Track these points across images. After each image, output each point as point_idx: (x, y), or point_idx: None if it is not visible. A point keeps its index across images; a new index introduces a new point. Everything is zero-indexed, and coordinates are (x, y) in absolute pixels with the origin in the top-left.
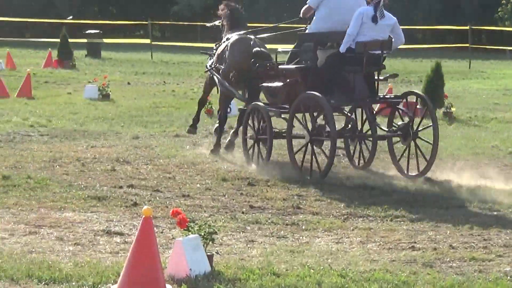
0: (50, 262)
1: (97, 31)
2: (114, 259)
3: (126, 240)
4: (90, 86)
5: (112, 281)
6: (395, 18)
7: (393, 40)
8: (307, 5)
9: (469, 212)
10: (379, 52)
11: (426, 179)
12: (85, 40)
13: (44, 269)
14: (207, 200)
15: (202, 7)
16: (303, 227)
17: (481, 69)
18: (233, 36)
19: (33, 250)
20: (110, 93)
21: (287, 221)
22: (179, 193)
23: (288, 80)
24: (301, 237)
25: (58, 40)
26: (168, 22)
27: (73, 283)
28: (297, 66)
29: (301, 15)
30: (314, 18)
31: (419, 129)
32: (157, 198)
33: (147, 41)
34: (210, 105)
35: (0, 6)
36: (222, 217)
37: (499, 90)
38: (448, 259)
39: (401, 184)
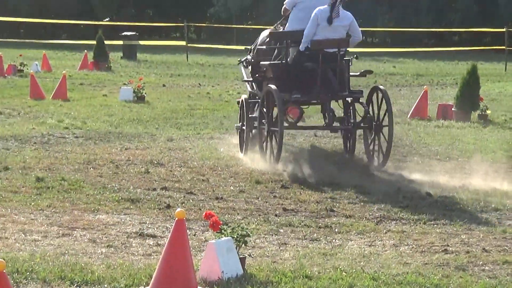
0: (82, 264)
1: (133, 33)
2: (147, 261)
3: (159, 242)
4: (125, 88)
5: (145, 283)
6: (352, 16)
7: (350, 38)
8: (284, 6)
9: (503, 216)
10: (335, 50)
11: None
12: (121, 42)
13: (76, 271)
14: (240, 202)
15: (239, 9)
16: (336, 230)
17: None
18: None
19: (66, 252)
20: (145, 95)
21: (320, 224)
22: (212, 196)
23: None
24: (334, 240)
25: (94, 42)
26: (204, 24)
27: (106, 285)
28: (270, 62)
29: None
30: (288, 19)
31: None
32: (191, 201)
33: (183, 43)
34: None
35: (36, 8)
36: (255, 219)
37: None
38: (481, 262)
39: (434, 188)
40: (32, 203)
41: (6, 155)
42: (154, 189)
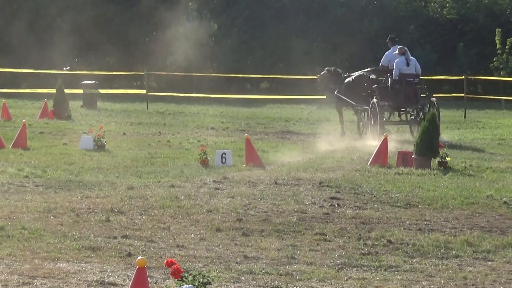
0: None
1: (93, 81)
2: None
3: None
4: (85, 137)
5: None
6: (415, 60)
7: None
8: (381, 64)
9: (464, 262)
10: (413, 79)
11: (421, 232)
12: (81, 91)
13: None
14: (202, 250)
15: (198, 57)
16: (297, 277)
17: (477, 119)
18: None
19: None
20: (106, 143)
21: (281, 271)
22: (173, 244)
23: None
24: None
25: (54, 90)
26: (164, 73)
27: None
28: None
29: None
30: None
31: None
32: (152, 249)
33: (143, 91)
34: (205, 156)
35: None
36: (216, 267)
37: (494, 139)
38: None
39: (395, 234)
40: None
41: None
42: (115, 237)
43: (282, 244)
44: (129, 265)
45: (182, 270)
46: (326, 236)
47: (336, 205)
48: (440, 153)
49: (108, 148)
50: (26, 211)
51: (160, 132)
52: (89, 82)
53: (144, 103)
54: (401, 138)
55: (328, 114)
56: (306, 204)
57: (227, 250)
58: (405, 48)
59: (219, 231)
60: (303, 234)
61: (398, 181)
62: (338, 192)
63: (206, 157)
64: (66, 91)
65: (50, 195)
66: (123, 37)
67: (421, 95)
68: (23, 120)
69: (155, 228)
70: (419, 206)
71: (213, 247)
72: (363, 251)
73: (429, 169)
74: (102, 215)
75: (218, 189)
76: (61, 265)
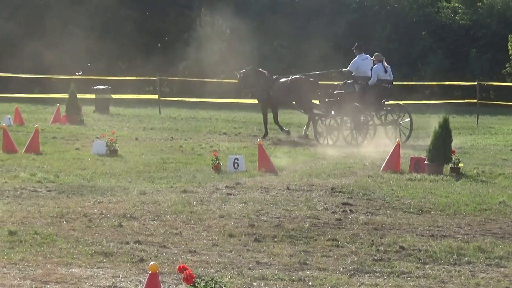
0: None
1: (106, 86)
2: None
3: None
4: (98, 142)
5: None
6: (389, 66)
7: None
8: (347, 69)
9: (477, 269)
10: (387, 85)
11: (434, 239)
12: (93, 96)
13: None
14: (214, 256)
15: (210, 63)
16: (310, 283)
17: (489, 125)
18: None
19: None
20: (118, 148)
21: (293, 277)
22: (185, 249)
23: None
24: None
25: (67, 95)
26: (176, 78)
27: None
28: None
29: (343, 70)
30: (352, 72)
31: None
32: (164, 254)
33: (156, 96)
34: (217, 161)
35: (8, 62)
36: (229, 273)
37: (506, 145)
38: None
39: (408, 240)
40: (5, 257)
41: None
42: (127, 243)
43: (294, 250)
44: (141, 271)
45: (195, 275)
46: (338, 242)
47: (349, 211)
48: (453, 159)
49: (121, 153)
50: (39, 216)
51: (172, 137)
52: (101, 87)
53: (157, 108)
54: (414, 144)
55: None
56: (319, 210)
57: (240, 255)
58: (382, 56)
59: (231, 237)
60: (316, 240)
61: (411, 187)
62: (351, 198)
63: (219, 162)
64: (79, 96)
65: (62, 200)
66: (136, 42)
67: (389, 101)
68: (36, 125)
69: (168, 234)
70: (432, 212)
71: (225, 252)
72: (375, 257)
73: (442, 175)
74: (115, 220)
75: (230, 194)
76: (73, 270)
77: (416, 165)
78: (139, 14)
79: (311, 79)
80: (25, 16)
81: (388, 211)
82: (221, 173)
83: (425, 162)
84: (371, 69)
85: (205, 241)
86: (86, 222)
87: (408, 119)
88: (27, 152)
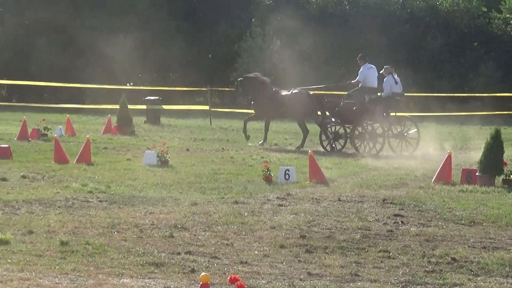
0: None
1: (157, 97)
2: None
3: None
4: (149, 153)
5: None
6: (399, 78)
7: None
8: (356, 80)
9: None
10: (399, 98)
11: (486, 250)
12: (144, 107)
13: None
14: (265, 267)
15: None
16: None
17: None
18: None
19: None
20: (169, 159)
21: None
22: (237, 260)
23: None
24: None
25: (118, 106)
26: (227, 89)
27: None
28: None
29: (352, 82)
30: (360, 83)
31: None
32: (215, 265)
33: (206, 107)
34: (268, 172)
35: (60, 73)
36: (280, 284)
37: None
38: None
39: (460, 251)
40: (57, 267)
41: (30, 219)
42: (179, 253)
43: (345, 261)
44: (192, 281)
45: (246, 286)
46: (390, 253)
47: (400, 222)
48: (505, 170)
49: (172, 164)
50: (90, 227)
51: (223, 148)
52: (152, 98)
53: (207, 119)
54: (466, 155)
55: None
56: (370, 221)
57: (291, 266)
58: (392, 68)
59: (282, 248)
60: (367, 251)
61: (462, 198)
62: (402, 209)
63: (270, 173)
64: (130, 106)
65: (114, 211)
66: (186, 53)
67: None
68: (87, 136)
69: (219, 244)
70: (484, 224)
71: (276, 263)
72: (427, 269)
73: (493, 187)
74: (166, 231)
75: (281, 205)
76: (124, 280)
77: (468, 176)
78: (190, 25)
79: (311, 92)
80: (76, 29)
81: (440, 223)
82: (272, 184)
83: (476, 173)
84: (379, 80)
85: (256, 252)
86: (137, 232)
87: (415, 130)
88: (78, 162)
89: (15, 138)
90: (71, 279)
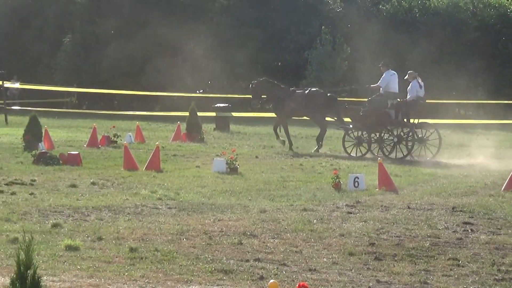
0: None
1: (226, 104)
2: None
3: None
4: (218, 160)
5: None
6: (422, 83)
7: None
8: (377, 85)
9: None
10: (422, 101)
11: None
12: (214, 114)
13: None
14: (334, 274)
15: (331, 81)
16: None
17: None
18: None
19: None
20: (238, 166)
21: None
22: (305, 267)
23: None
24: None
25: (187, 113)
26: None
27: None
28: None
29: (371, 86)
30: (381, 88)
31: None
32: (284, 272)
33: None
34: (338, 179)
35: (130, 80)
36: None
37: None
38: None
39: None
40: (126, 274)
41: (100, 225)
42: (247, 260)
43: (414, 269)
44: None
45: None
46: (459, 261)
47: (470, 230)
48: None
49: (241, 171)
50: (159, 233)
51: (292, 156)
52: (222, 105)
53: None
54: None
55: (461, 138)
56: (439, 229)
57: (360, 274)
58: (415, 73)
59: (351, 255)
60: (436, 259)
61: None
62: (472, 217)
63: (339, 180)
64: (199, 114)
65: (183, 218)
66: (256, 61)
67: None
68: (157, 143)
69: (288, 252)
70: None
71: (345, 271)
72: (497, 277)
73: None
74: (235, 238)
75: (350, 213)
76: (193, 287)
77: None
78: (260, 33)
79: (328, 94)
80: (146, 36)
81: (510, 231)
82: (341, 192)
83: None
84: (402, 86)
85: (325, 259)
86: (206, 239)
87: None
88: (147, 169)
89: (85, 145)
90: (140, 286)
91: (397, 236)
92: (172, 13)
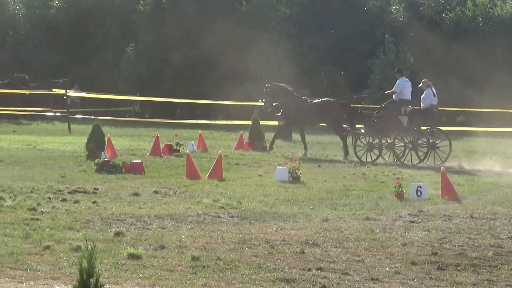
0: None
1: None
2: None
3: None
4: (280, 169)
5: None
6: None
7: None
8: (392, 90)
9: None
10: (435, 109)
11: None
12: (276, 123)
13: None
14: (396, 284)
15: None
16: None
17: None
18: None
19: None
20: (301, 175)
21: None
22: (368, 276)
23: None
24: None
25: (250, 122)
26: (359, 105)
27: None
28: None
29: (385, 92)
30: (396, 94)
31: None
32: (346, 282)
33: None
34: (400, 189)
35: (193, 89)
36: None
37: None
38: None
39: None
40: (188, 282)
41: (162, 233)
42: (309, 269)
43: (477, 278)
44: None
45: None
46: None
47: None
48: None
49: (303, 180)
50: (221, 242)
51: (355, 165)
52: None
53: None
54: None
55: None
56: (503, 239)
57: (422, 284)
58: (430, 81)
59: (414, 265)
60: (499, 269)
61: None
62: None
63: (402, 190)
64: (262, 122)
65: (245, 226)
66: (318, 70)
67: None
68: (219, 152)
69: (350, 261)
70: None
71: (407, 280)
72: None
73: None
74: (297, 247)
75: (413, 222)
76: None
77: None
78: (323, 42)
79: (341, 101)
80: (208, 45)
81: None
82: (404, 201)
83: None
84: (415, 93)
85: (387, 268)
86: (268, 248)
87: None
88: (210, 178)
89: (147, 154)
90: None
91: (460, 246)
92: (234, 22)
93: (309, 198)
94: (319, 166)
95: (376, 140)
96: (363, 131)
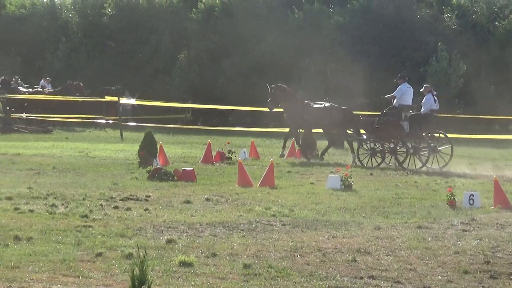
0: None
1: None
2: None
3: None
4: (332, 176)
5: None
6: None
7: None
8: (392, 95)
9: None
10: (436, 114)
11: None
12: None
13: None
14: None
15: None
16: None
17: None
18: None
19: None
20: (353, 183)
21: None
22: (420, 285)
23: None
24: None
25: (302, 130)
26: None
27: None
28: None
29: (386, 96)
30: (396, 99)
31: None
32: None
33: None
34: (452, 197)
35: (245, 96)
36: None
37: None
38: None
39: None
40: None
41: (214, 241)
42: (361, 278)
43: None
44: None
45: None
46: None
47: None
48: None
49: (355, 188)
50: (273, 250)
51: (407, 173)
52: None
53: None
54: None
55: None
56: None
57: None
58: (431, 86)
59: (466, 273)
60: None
61: None
62: None
63: (454, 198)
64: (314, 130)
65: (297, 234)
66: (371, 78)
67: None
68: (271, 159)
69: (402, 269)
70: None
71: None
72: None
73: None
74: (349, 255)
75: (465, 230)
76: None
77: None
78: (376, 50)
79: (343, 107)
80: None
81: None
82: (456, 209)
83: None
84: (416, 99)
85: (439, 277)
86: (320, 256)
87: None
88: (262, 185)
89: (199, 161)
90: None
91: None
92: (287, 29)
93: (361, 206)
94: (371, 174)
95: (379, 146)
96: (365, 137)
